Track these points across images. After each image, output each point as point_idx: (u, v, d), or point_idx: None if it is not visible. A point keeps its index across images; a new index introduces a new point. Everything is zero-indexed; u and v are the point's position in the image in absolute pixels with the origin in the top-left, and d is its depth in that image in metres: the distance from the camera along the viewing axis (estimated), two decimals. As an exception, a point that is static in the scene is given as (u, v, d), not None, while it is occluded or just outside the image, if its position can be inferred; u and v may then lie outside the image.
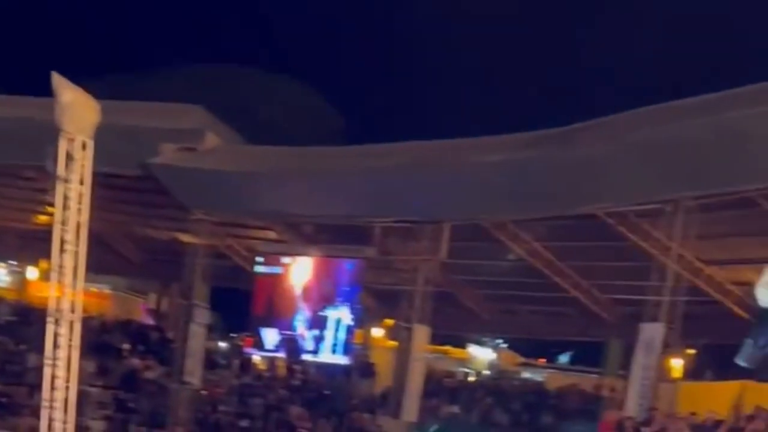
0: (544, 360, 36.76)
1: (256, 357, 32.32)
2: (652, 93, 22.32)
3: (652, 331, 23.38)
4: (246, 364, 32.57)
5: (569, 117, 22.89)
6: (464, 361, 34.83)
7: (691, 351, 30.06)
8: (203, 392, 29.99)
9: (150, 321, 37.81)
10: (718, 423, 20.93)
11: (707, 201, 22.12)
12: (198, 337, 29.51)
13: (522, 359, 35.18)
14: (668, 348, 23.87)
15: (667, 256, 23.70)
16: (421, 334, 26.97)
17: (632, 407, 22.68)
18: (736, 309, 26.69)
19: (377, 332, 33.69)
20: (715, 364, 31.03)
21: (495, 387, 30.19)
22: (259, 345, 30.52)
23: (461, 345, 35.93)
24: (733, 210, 22.57)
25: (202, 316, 29.66)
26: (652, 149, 20.94)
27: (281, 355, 30.51)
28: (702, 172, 20.76)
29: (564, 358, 37.22)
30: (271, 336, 29.93)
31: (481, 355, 34.91)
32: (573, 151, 22.21)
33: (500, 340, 35.08)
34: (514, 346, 35.27)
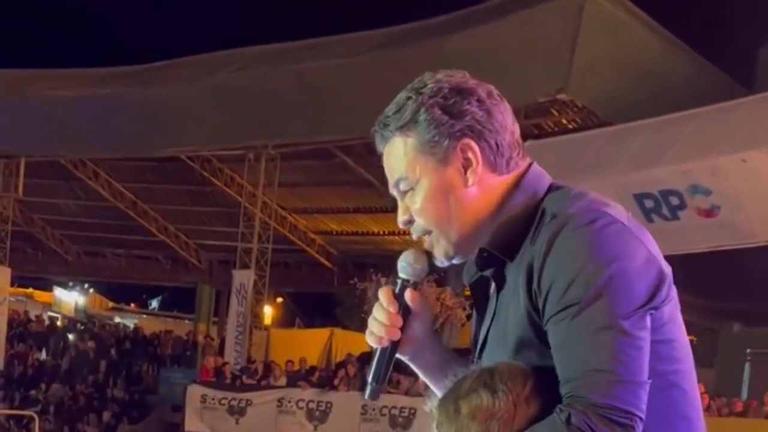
0: (135, 305, 35.74)
1: None
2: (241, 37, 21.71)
3: (243, 278, 23.24)
4: None
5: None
6: (50, 305, 33.02)
7: (280, 299, 30.38)
8: None
9: None
10: (312, 369, 21.17)
11: (287, 150, 22.08)
12: None
13: (112, 303, 33.92)
14: (259, 295, 23.89)
15: (253, 203, 23.57)
16: (1, 276, 25.06)
17: (229, 353, 22.50)
18: (319, 258, 27.13)
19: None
20: (302, 312, 31.60)
21: (87, 332, 28.79)
22: None
23: (46, 288, 34.06)
24: (311, 160, 22.68)
25: None
26: (231, 94, 20.39)
27: None
28: (280, 121, 20.51)
29: (155, 303, 36.41)
30: None
31: (68, 298, 33.24)
32: (151, 91, 21.22)
33: (87, 284, 33.59)
34: (103, 289, 33.93)
